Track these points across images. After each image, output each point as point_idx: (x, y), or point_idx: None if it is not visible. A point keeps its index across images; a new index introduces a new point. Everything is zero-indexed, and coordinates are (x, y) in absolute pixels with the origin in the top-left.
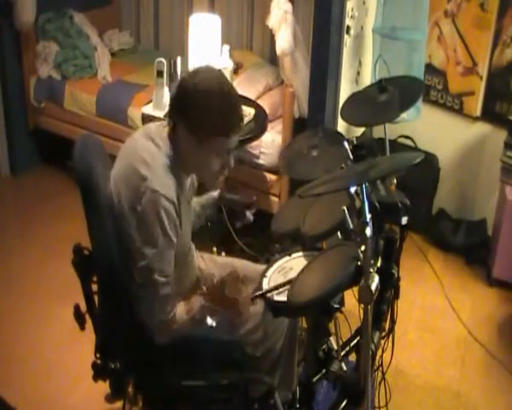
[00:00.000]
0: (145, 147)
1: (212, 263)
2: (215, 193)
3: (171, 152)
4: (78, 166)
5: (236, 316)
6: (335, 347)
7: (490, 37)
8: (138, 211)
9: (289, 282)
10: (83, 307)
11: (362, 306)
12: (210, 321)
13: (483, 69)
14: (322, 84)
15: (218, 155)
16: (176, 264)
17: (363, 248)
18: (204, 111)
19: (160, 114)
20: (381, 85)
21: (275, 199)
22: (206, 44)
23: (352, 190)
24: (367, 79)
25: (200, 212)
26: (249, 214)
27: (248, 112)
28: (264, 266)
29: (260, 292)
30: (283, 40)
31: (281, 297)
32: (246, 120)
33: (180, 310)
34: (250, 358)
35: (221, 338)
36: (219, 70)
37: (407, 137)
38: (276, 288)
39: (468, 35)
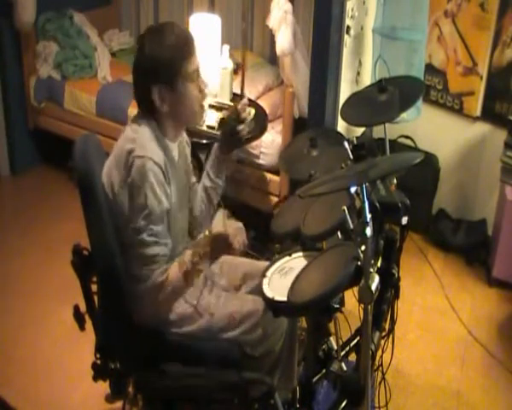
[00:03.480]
0: (128, 130)
1: None
2: (214, 147)
3: (153, 123)
4: (78, 166)
5: (230, 249)
6: (335, 347)
7: (490, 37)
8: (129, 182)
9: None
10: (82, 308)
11: (362, 306)
12: (203, 266)
13: (483, 69)
14: (322, 84)
15: (191, 81)
16: (172, 251)
17: (363, 248)
18: (159, 57)
19: None
20: (381, 85)
21: (275, 199)
22: (206, 44)
23: (352, 190)
24: (367, 79)
25: (212, 184)
26: (248, 111)
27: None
28: (266, 263)
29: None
30: (283, 40)
31: (281, 297)
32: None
33: (173, 270)
34: (250, 358)
35: (221, 338)
36: (157, 25)
37: (407, 137)
38: None
39: (468, 35)
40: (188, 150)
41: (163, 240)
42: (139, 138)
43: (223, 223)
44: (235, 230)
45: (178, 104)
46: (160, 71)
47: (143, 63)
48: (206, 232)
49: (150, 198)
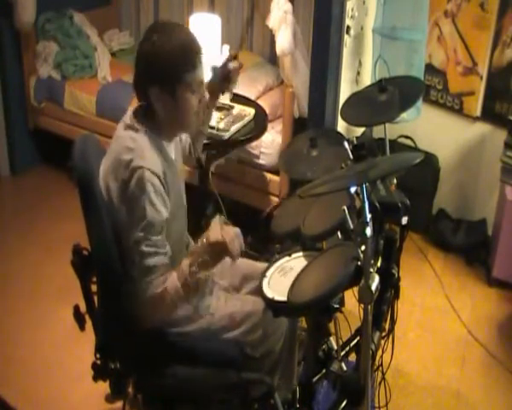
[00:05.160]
0: (126, 136)
1: None
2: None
3: (149, 126)
4: (77, 166)
5: (229, 256)
6: (335, 347)
7: (490, 37)
8: (127, 194)
9: None
10: (82, 308)
11: (362, 306)
12: (203, 275)
13: (483, 69)
14: (322, 84)
15: (193, 93)
16: (173, 254)
17: (363, 248)
18: (165, 59)
19: None
20: (381, 85)
21: (275, 199)
22: (206, 44)
23: (352, 190)
24: (367, 79)
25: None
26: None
27: (248, 112)
28: (266, 265)
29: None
30: (283, 40)
31: (281, 297)
32: (246, 119)
33: (171, 280)
34: (250, 358)
35: (221, 338)
36: (170, 22)
37: (407, 137)
38: None
39: (468, 35)
40: (182, 144)
41: (162, 249)
42: (137, 148)
43: (219, 229)
44: (231, 236)
45: (174, 110)
46: (163, 73)
47: (148, 59)
48: (204, 240)
49: (149, 210)
